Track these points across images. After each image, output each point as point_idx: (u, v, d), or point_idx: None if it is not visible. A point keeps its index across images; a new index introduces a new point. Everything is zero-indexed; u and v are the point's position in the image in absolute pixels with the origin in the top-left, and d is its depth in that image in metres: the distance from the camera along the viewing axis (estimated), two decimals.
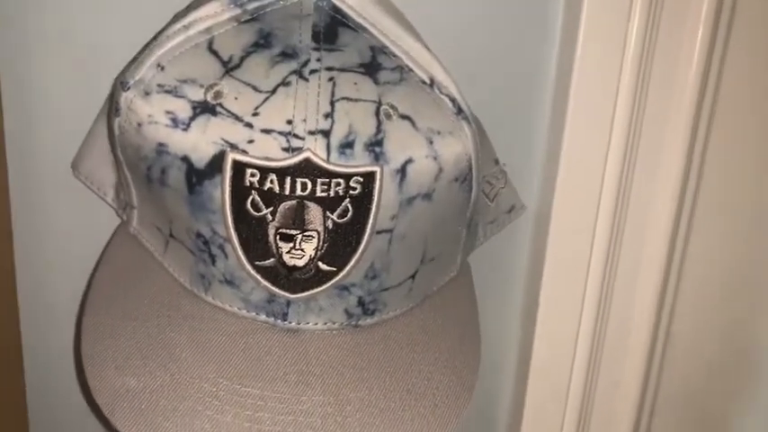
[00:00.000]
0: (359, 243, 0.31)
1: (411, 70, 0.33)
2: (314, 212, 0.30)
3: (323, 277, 0.32)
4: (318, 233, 0.30)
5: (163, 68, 0.31)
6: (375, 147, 0.30)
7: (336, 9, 0.33)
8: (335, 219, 0.30)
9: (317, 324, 0.33)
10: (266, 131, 0.30)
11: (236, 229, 0.31)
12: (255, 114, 0.30)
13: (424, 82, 0.33)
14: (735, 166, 0.43)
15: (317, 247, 0.31)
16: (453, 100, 0.33)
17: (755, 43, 0.41)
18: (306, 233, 0.30)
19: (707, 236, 0.45)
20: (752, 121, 0.43)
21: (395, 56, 0.33)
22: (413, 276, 0.35)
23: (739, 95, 0.42)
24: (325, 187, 0.30)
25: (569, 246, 0.43)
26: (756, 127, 0.43)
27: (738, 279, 0.46)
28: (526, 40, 0.42)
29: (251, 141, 0.29)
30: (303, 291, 0.32)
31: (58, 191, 0.42)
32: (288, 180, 0.29)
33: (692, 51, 0.40)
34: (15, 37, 0.40)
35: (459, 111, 0.33)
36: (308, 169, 0.29)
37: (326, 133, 0.30)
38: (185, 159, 0.30)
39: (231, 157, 0.29)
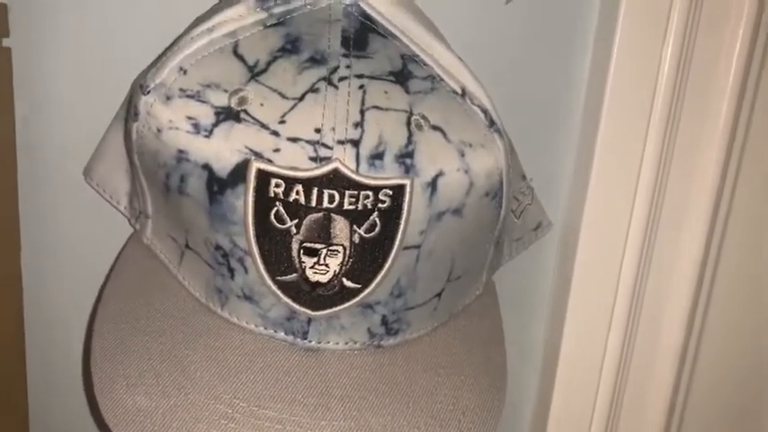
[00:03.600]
0: (385, 259, 0.30)
1: (442, 80, 0.32)
2: (340, 226, 0.29)
3: (347, 294, 0.30)
4: (344, 248, 0.29)
5: (185, 72, 0.30)
6: (405, 158, 0.29)
7: (366, 15, 0.32)
8: (362, 233, 0.29)
9: (338, 344, 0.32)
10: (293, 140, 0.28)
11: (258, 242, 0.29)
12: (282, 122, 0.29)
13: (455, 92, 0.32)
14: None
15: (341, 263, 0.29)
16: (485, 111, 0.32)
17: None
18: (331, 247, 0.29)
19: (740, 251, 0.44)
20: None
21: (426, 65, 0.32)
22: (439, 295, 0.33)
23: None
24: (353, 200, 0.28)
25: (597, 265, 0.41)
26: None
27: None
28: (557, 53, 0.41)
29: (277, 150, 0.28)
30: (325, 308, 0.30)
31: (70, 198, 0.41)
32: (315, 191, 0.28)
33: (730, 59, 0.39)
34: (29, 42, 0.39)
35: (492, 123, 0.32)
36: (335, 180, 0.28)
37: (356, 143, 0.28)
38: (206, 167, 0.29)
39: (255, 166, 0.28)
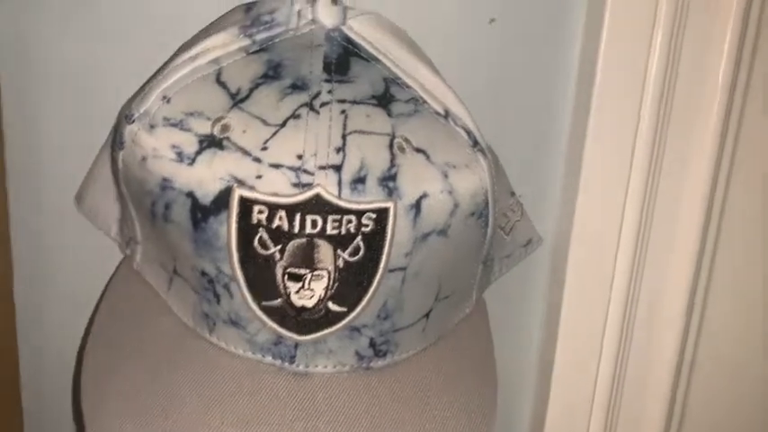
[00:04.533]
0: (371, 282, 0.30)
1: (425, 102, 0.32)
2: (324, 251, 0.29)
3: (333, 318, 0.30)
4: (329, 272, 0.29)
5: (169, 101, 0.31)
6: (388, 182, 0.29)
7: (348, 39, 0.32)
8: (347, 257, 0.29)
9: (326, 367, 0.32)
10: (275, 166, 0.29)
11: (243, 268, 0.29)
12: (264, 149, 0.29)
13: (438, 113, 0.32)
14: (759, 187, 0.42)
15: (327, 287, 0.30)
16: (469, 132, 0.32)
17: None
18: (315, 272, 0.29)
19: (732, 264, 0.43)
20: None
21: (408, 87, 0.32)
22: (427, 315, 0.33)
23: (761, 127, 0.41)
24: (337, 224, 0.29)
25: (588, 279, 0.41)
26: None
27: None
28: (542, 71, 0.41)
29: (259, 177, 0.28)
30: (312, 332, 0.31)
31: (62, 225, 0.42)
32: (297, 217, 0.28)
33: (714, 91, 0.39)
34: (19, 71, 0.39)
35: (475, 143, 0.32)
36: (318, 206, 0.28)
37: (338, 168, 0.29)
38: (190, 195, 0.29)
39: (238, 193, 0.28)
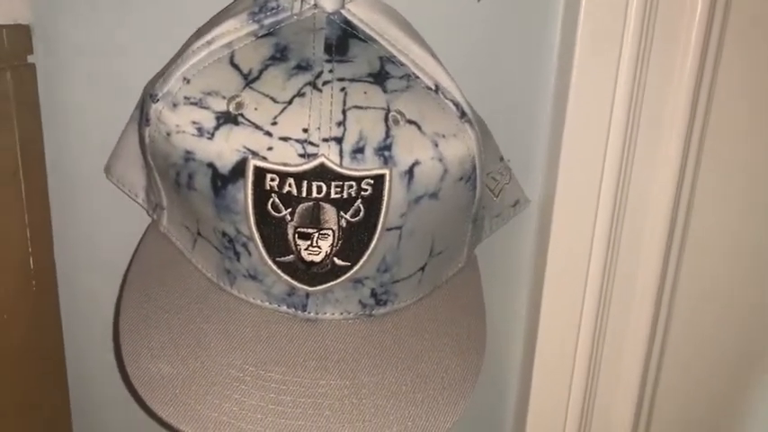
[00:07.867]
0: (371, 240, 0.34)
1: (417, 77, 0.35)
2: (329, 213, 0.33)
3: (338, 271, 0.34)
4: (333, 231, 0.33)
5: (188, 82, 0.34)
6: (384, 151, 0.33)
7: (347, 22, 0.35)
8: (349, 218, 0.33)
9: (333, 314, 0.36)
10: (284, 139, 0.32)
11: (259, 229, 0.33)
12: (274, 123, 0.32)
13: (429, 88, 0.35)
14: (730, 151, 0.45)
15: (332, 244, 0.33)
16: (457, 104, 0.35)
17: (746, 53, 0.43)
18: (322, 231, 0.33)
19: (706, 221, 0.46)
20: (745, 113, 0.45)
21: (402, 64, 0.35)
22: (422, 269, 0.37)
23: (732, 91, 0.44)
24: (339, 189, 0.32)
25: (571, 236, 0.45)
26: (750, 121, 0.45)
27: (740, 261, 0.48)
28: (527, 45, 0.43)
29: (270, 149, 0.32)
30: (320, 284, 0.35)
31: (94, 193, 0.45)
32: (305, 184, 0.32)
33: (689, 35, 0.41)
34: (53, 54, 0.42)
35: (463, 114, 0.35)
36: (322, 173, 0.32)
37: (339, 140, 0.32)
38: (211, 166, 0.33)
39: (252, 163, 0.32)
